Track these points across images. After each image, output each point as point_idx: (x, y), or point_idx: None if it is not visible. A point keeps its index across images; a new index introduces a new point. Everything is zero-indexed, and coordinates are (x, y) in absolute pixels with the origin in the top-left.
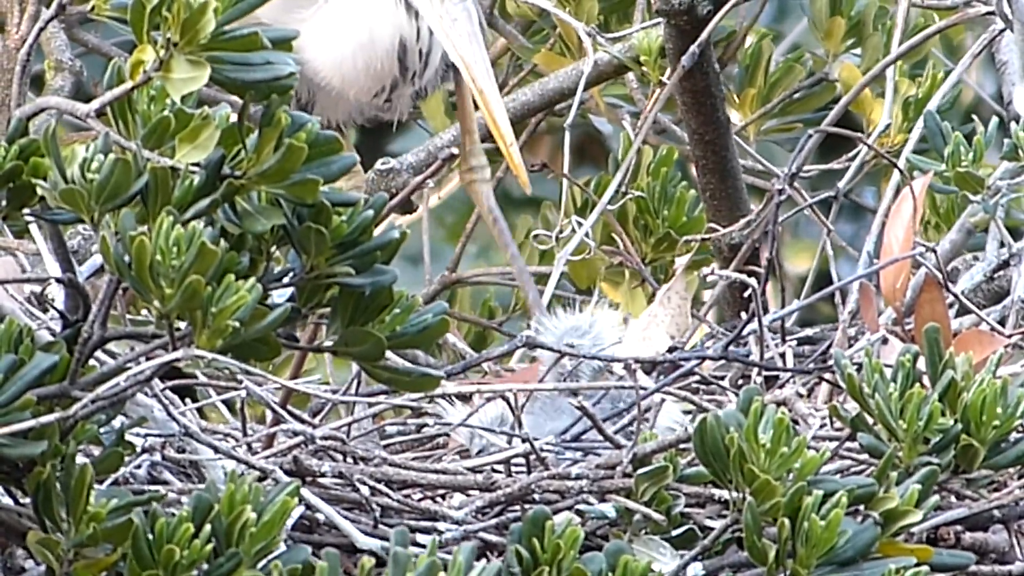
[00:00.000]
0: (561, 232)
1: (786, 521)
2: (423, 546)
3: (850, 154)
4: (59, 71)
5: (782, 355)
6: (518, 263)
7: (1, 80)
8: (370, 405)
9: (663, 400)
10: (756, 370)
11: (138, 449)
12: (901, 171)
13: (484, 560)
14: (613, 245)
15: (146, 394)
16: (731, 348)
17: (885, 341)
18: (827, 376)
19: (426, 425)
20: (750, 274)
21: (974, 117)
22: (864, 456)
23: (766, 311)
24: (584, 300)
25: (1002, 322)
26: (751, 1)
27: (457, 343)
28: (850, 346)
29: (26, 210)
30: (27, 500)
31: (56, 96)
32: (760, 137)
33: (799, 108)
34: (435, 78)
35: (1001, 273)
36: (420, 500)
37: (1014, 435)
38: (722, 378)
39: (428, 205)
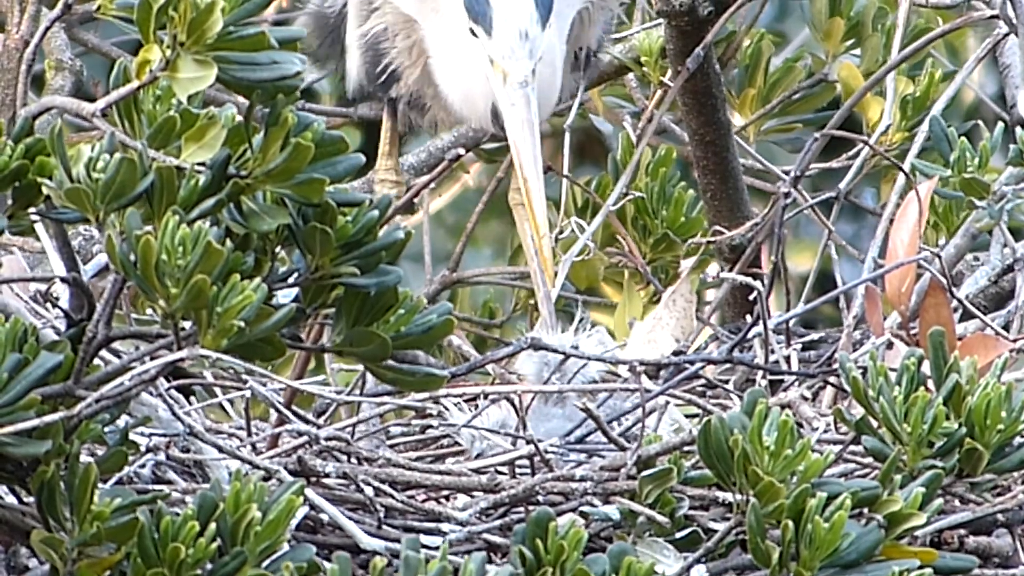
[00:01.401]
0: (561, 232)
1: (790, 523)
2: (426, 547)
3: (850, 153)
4: (59, 71)
5: (787, 358)
6: (544, 291)
7: (1, 80)
8: (376, 406)
9: (668, 403)
10: (761, 373)
11: (142, 448)
12: (907, 174)
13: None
14: (614, 246)
15: (151, 393)
16: (736, 351)
17: (890, 345)
18: (832, 379)
19: (430, 426)
20: (754, 276)
21: (980, 123)
22: (868, 459)
23: (769, 314)
24: (585, 301)
25: (1007, 327)
26: (751, 2)
27: (463, 345)
28: (855, 349)
29: (31, 209)
30: (31, 499)
31: (57, 95)
32: (760, 137)
33: (799, 109)
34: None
35: (1006, 277)
36: (424, 501)
37: (1018, 439)
38: (727, 381)
39: (429, 206)
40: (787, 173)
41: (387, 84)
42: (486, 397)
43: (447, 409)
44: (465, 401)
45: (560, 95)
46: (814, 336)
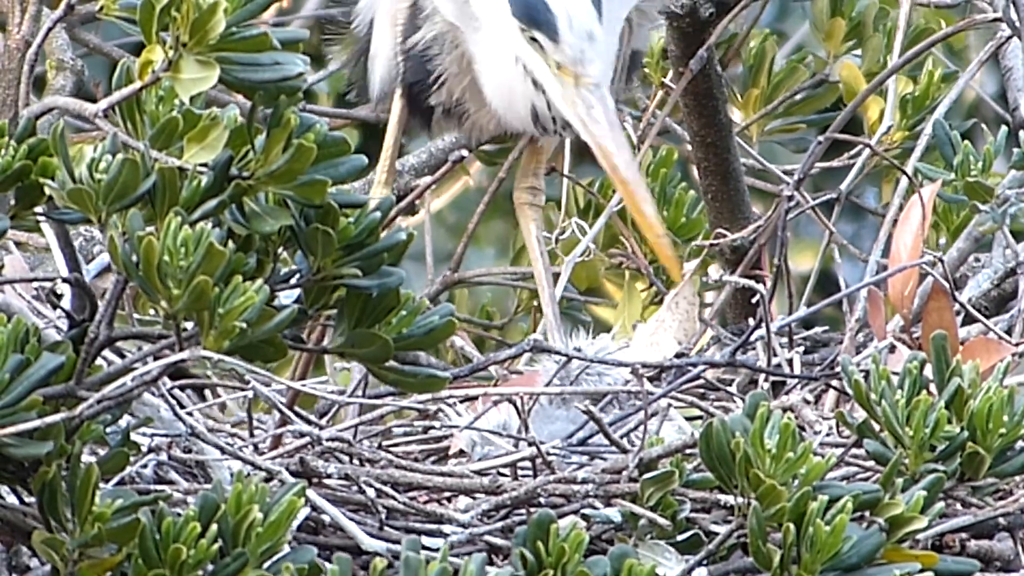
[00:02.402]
0: (562, 233)
1: (791, 526)
2: (428, 548)
3: (851, 152)
4: (61, 71)
5: (789, 361)
6: (548, 292)
7: (3, 80)
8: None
9: (669, 406)
10: (763, 376)
11: (144, 449)
12: (910, 177)
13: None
14: (616, 246)
15: (153, 394)
16: (738, 354)
17: (892, 348)
18: (834, 383)
19: (432, 427)
20: (755, 278)
21: (983, 127)
22: (870, 463)
23: (772, 317)
24: (586, 301)
25: (1009, 330)
26: (753, 2)
27: (465, 346)
28: (857, 353)
29: (34, 209)
30: (33, 500)
31: (58, 95)
32: (763, 138)
33: (801, 109)
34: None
35: (1009, 280)
36: (426, 502)
37: (1020, 443)
38: (729, 383)
39: (430, 206)
40: (788, 173)
41: (427, 94)
42: (488, 398)
43: (447, 415)
44: (463, 402)
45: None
46: (816, 332)
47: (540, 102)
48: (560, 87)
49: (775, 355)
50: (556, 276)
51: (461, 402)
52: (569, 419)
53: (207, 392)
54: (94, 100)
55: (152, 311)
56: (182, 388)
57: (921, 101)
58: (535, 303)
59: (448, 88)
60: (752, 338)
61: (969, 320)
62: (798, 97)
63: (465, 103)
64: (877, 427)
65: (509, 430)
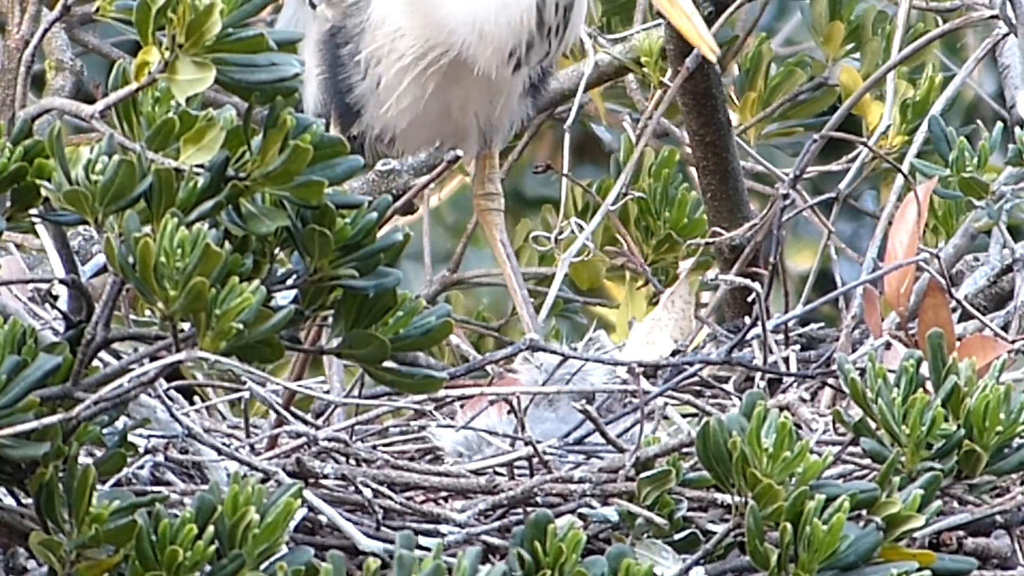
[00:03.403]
0: (560, 233)
1: (788, 525)
2: (425, 548)
3: (850, 155)
4: (59, 71)
5: (785, 359)
6: (521, 294)
7: (1, 80)
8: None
9: (665, 404)
10: (760, 374)
11: (141, 450)
12: (905, 176)
13: (487, 563)
14: (615, 246)
15: (149, 395)
16: (735, 352)
17: (888, 346)
18: (830, 381)
19: (427, 427)
20: (752, 276)
21: (978, 122)
22: (867, 461)
23: (769, 316)
24: (586, 301)
25: (1006, 327)
26: (751, 2)
27: (461, 344)
28: (853, 351)
29: (31, 211)
30: (29, 501)
31: (57, 96)
32: (760, 141)
33: (799, 112)
34: (568, 38)
35: (1005, 277)
36: (422, 502)
37: (1017, 441)
38: (726, 381)
39: (428, 206)
40: (787, 175)
41: (350, 124)
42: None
43: (434, 424)
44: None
45: None
46: (813, 328)
47: None
48: None
49: (771, 352)
50: (553, 276)
51: (456, 401)
52: (559, 419)
53: (200, 394)
54: (93, 100)
55: (148, 312)
56: (178, 389)
57: (922, 106)
58: (535, 303)
59: (368, 118)
60: (748, 336)
61: (966, 317)
62: (796, 100)
63: (387, 131)
64: (874, 425)
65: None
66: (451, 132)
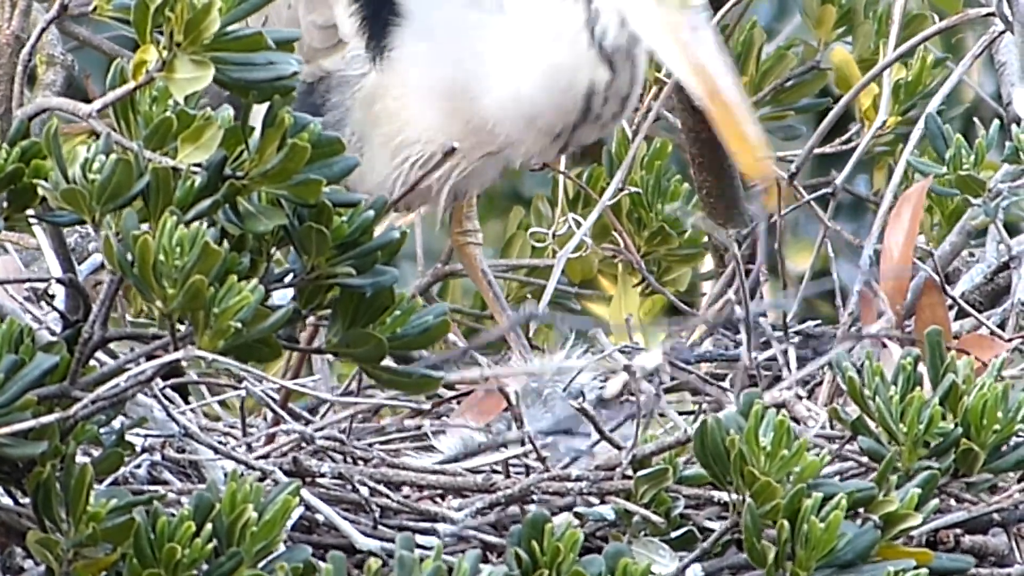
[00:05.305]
0: (557, 228)
1: (786, 523)
2: (422, 547)
3: (843, 138)
4: (51, 65)
5: (784, 353)
6: (510, 321)
7: None
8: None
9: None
10: (756, 370)
11: (138, 449)
12: (904, 172)
13: (486, 562)
14: (608, 239)
15: (146, 394)
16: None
17: (885, 344)
18: (827, 376)
19: (422, 425)
20: (749, 272)
21: (975, 120)
22: (864, 459)
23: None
24: (579, 294)
25: (1002, 324)
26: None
27: (451, 336)
28: (851, 349)
29: (28, 211)
30: (27, 500)
31: (48, 91)
32: None
33: (791, 96)
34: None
35: (1001, 274)
36: (419, 501)
37: (1014, 439)
38: (723, 378)
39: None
40: (783, 160)
41: None
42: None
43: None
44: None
45: None
46: (810, 324)
47: (600, 74)
48: (662, 12)
49: (768, 347)
50: (544, 268)
51: (454, 399)
52: (555, 419)
53: (195, 393)
54: (85, 93)
55: (144, 311)
56: (174, 388)
57: (914, 87)
58: (527, 295)
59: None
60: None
61: (963, 314)
62: (787, 85)
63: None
64: (871, 423)
65: (492, 439)
66: (426, 199)
